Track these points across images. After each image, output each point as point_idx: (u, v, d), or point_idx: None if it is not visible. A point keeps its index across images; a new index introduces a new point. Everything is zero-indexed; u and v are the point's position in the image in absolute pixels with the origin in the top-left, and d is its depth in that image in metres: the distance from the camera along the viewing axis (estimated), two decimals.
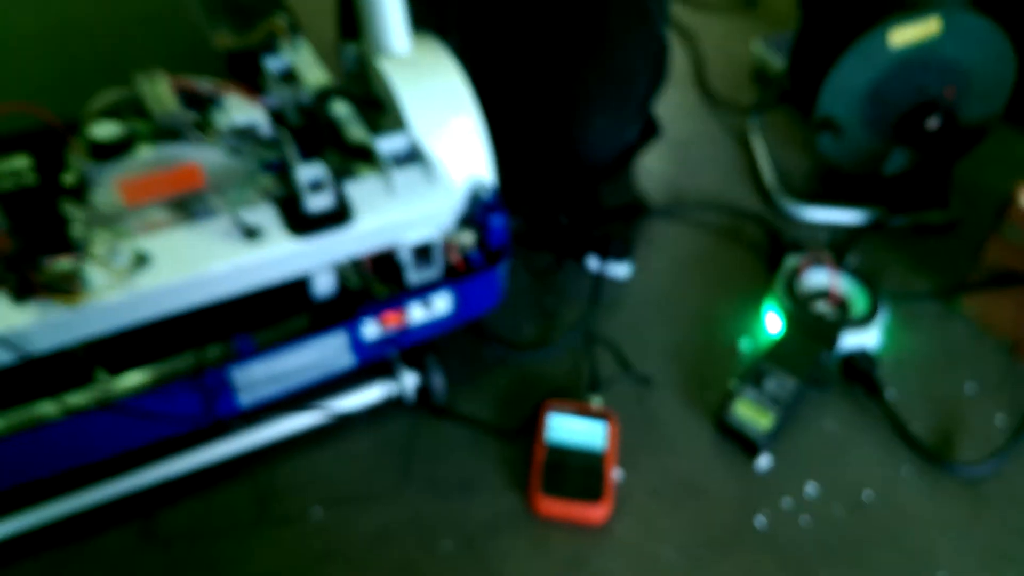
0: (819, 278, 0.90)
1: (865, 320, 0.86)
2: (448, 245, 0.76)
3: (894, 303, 0.92)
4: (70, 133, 0.66)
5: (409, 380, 0.81)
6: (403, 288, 0.75)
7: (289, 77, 0.84)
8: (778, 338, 0.86)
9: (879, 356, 0.86)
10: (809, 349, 0.84)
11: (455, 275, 0.77)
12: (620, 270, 0.97)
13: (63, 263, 0.59)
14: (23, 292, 0.58)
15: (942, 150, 1.01)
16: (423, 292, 0.75)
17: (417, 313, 0.76)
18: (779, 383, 0.82)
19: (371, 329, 0.75)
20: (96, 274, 0.60)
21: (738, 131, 1.21)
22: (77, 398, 0.65)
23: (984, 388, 0.86)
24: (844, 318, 0.86)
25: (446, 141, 0.76)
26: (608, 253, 0.96)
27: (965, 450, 0.80)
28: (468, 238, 0.77)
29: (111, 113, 0.69)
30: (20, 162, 0.66)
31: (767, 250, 1.00)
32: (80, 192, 0.65)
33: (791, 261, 0.92)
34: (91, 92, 0.70)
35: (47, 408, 0.65)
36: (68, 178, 0.67)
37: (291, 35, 0.88)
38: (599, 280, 0.96)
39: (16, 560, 0.71)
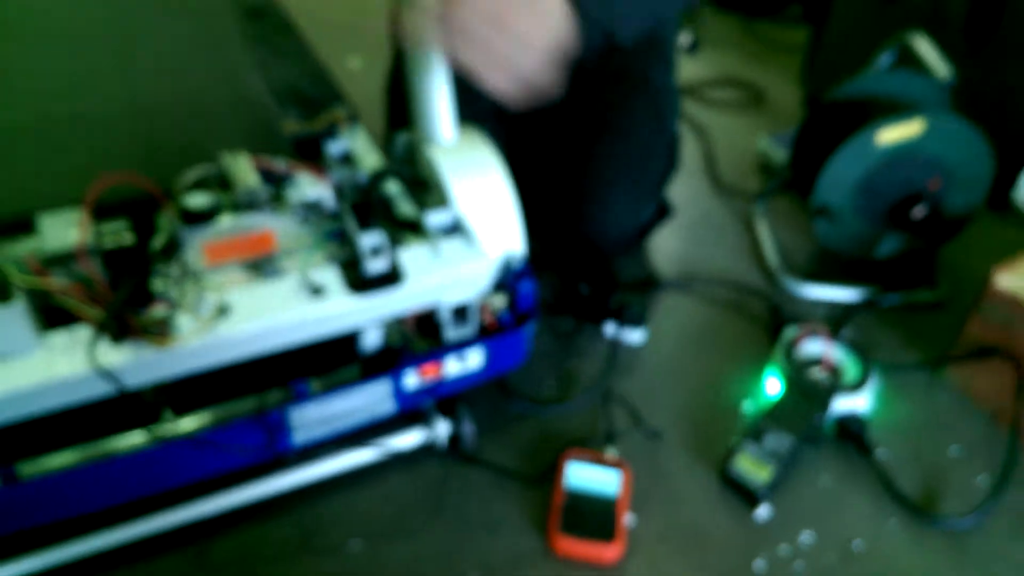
0: (815, 347, 0.99)
1: (857, 386, 0.94)
2: (482, 307, 0.86)
3: (885, 372, 1.00)
4: (163, 201, 0.77)
5: (442, 428, 0.90)
6: (441, 344, 0.85)
7: (347, 159, 0.96)
8: (777, 400, 0.94)
9: (870, 419, 0.94)
10: (805, 410, 0.92)
11: (487, 334, 0.86)
12: (635, 336, 1.07)
13: (158, 310, 0.69)
14: (121, 334, 0.68)
15: (929, 236, 1.11)
16: (459, 348, 0.85)
17: (452, 367, 0.86)
18: (778, 440, 0.89)
19: (411, 379, 0.84)
20: (184, 321, 0.70)
21: (744, 215, 1.32)
22: (145, 435, 0.75)
23: (967, 451, 0.93)
24: (837, 384, 0.95)
25: (484, 217, 0.86)
26: (624, 320, 1.06)
27: (949, 506, 0.87)
28: (500, 301, 0.87)
29: (200, 185, 0.80)
30: (119, 224, 0.77)
31: (769, 322, 1.09)
32: (170, 251, 0.76)
33: (790, 332, 1.01)
34: (176, 167, 0.81)
35: (119, 443, 0.74)
36: (159, 239, 0.78)
37: (349, 123, 1.00)
38: (615, 345, 1.05)
39: None
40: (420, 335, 0.87)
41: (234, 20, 1.20)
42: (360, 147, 0.98)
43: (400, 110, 1.12)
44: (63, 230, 0.71)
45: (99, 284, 0.68)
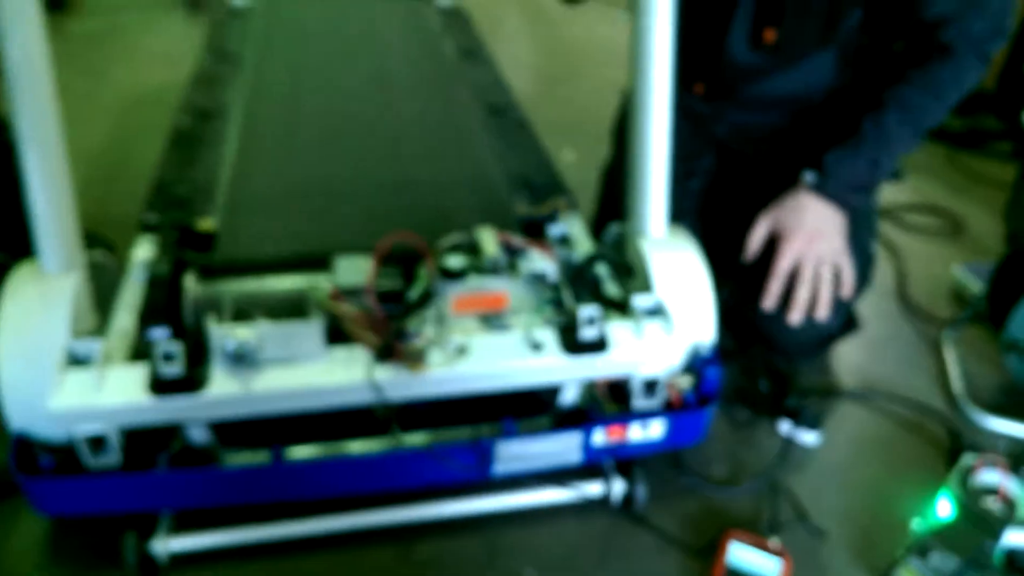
0: (992, 477, 0.99)
1: None
2: (670, 384, 0.96)
3: None
4: (427, 258, 0.95)
5: (618, 485, 1.00)
6: (629, 410, 0.95)
7: (564, 240, 1.11)
8: (947, 521, 0.95)
9: None
10: (974, 536, 0.92)
11: (670, 409, 0.96)
12: (809, 438, 1.11)
13: (419, 342, 0.86)
14: (386, 356, 0.85)
15: None
16: (644, 416, 0.95)
17: (636, 432, 0.96)
18: (943, 560, 0.91)
19: (599, 436, 0.95)
20: (435, 354, 0.86)
21: (931, 340, 1.33)
22: (378, 443, 0.91)
23: None
24: (1010, 516, 0.94)
25: (682, 306, 0.97)
26: (800, 421, 1.11)
27: None
28: (686, 382, 0.97)
29: (455, 248, 0.98)
30: (394, 271, 0.95)
31: (947, 446, 1.10)
32: (427, 298, 0.93)
33: (968, 458, 1.01)
34: (430, 231, 0.99)
35: (359, 446, 0.91)
36: (419, 287, 0.95)
37: (568, 210, 1.16)
38: (789, 443, 1.11)
39: (303, 552, 0.93)
40: (611, 400, 0.98)
41: (480, 115, 1.41)
42: (576, 231, 1.13)
43: (612, 201, 1.27)
44: (353, 270, 0.91)
45: (378, 316, 0.86)
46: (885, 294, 1.45)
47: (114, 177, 1.66)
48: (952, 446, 1.09)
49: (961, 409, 1.18)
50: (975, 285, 1.40)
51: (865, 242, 1.23)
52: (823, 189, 1.13)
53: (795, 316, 1.11)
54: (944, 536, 0.93)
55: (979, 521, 0.94)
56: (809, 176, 1.14)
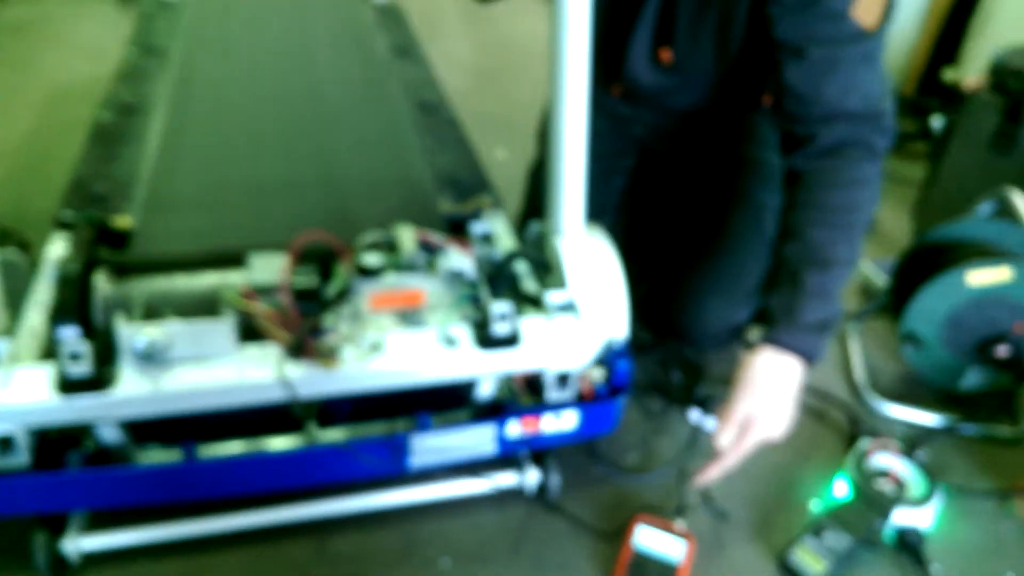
0: (885, 461, 1.04)
1: (920, 502, 0.98)
2: (582, 377, 0.98)
3: (953, 495, 1.04)
4: (343, 255, 0.95)
5: (532, 475, 1.02)
6: (542, 402, 0.97)
7: (487, 238, 1.12)
8: (842, 502, 0.99)
9: (930, 535, 0.98)
10: (867, 515, 0.97)
11: (582, 400, 0.98)
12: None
13: (331, 339, 0.86)
14: (298, 353, 0.85)
15: (1013, 374, 1.14)
16: (557, 408, 0.97)
17: (550, 423, 0.98)
18: (837, 538, 0.95)
19: (513, 428, 0.97)
20: (348, 351, 0.86)
21: (837, 331, 1.38)
22: (293, 440, 0.91)
23: None
24: (901, 496, 0.99)
25: (595, 301, 0.99)
26: (708, 410, 1.15)
27: None
28: (598, 374, 0.99)
29: (373, 246, 0.98)
30: (309, 269, 0.95)
31: (846, 431, 1.15)
32: (342, 295, 0.93)
33: (863, 443, 1.06)
34: (352, 228, 0.99)
35: (274, 443, 0.91)
36: (335, 285, 0.95)
37: (493, 208, 1.17)
38: (697, 430, 1.14)
39: (220, 548, 0.93)
40: (528, 393, 1.00)
41: (411, 113, 1.41)
42: (499, 229, 1.13)
43: (537, 200, 1.28)
44: (267, 268, 0.90)
45: (291, 313, 0.85)
46: None
47: (35, 173, 1.61)
48: (851, 431, 1.13)
49: (862, 397, 1.23)
50: (880, 279, 1.46)
51: (772, 237, 1.26)
52: (775, 340, 0.94)
53: (701, 478, 0.95)
54: (839, 516, 0.98)
55: (871, 501, 0.99)
56: (754, 334, 1.00)
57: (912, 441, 1.13)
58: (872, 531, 0.96)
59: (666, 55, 1.13)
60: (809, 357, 0.94)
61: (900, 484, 1.02)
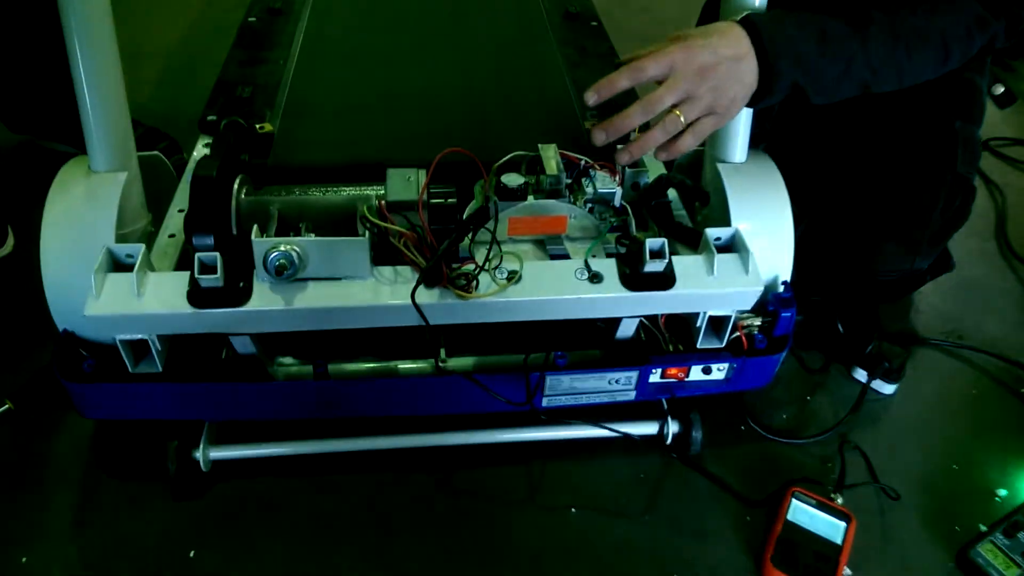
0: None
1: None
2: (738, 324, 0.81)
3: None
4: (484, 175, 0.81)
5: (673, 426, 0.87)
6: (692, 349, 0.82)
7: (636, 164, 0.95)
8: None
9: None
10: None
11: (737, 351, 0.82)
12: (887, 388, 0.95)
13: (468, 267, 0.73)
14: (432, 280, 0.73)
15: None
16: (707, 358, 0.81)
17: (697, 372, 0.82)
18: None
19: (655, 375, 0.82)
20: (485, 280, 0.74)
21: None
22: (423, 365, 0.82)
23: None
24: None
25: (760, 240, 0.81)
26: (878, 369, 0.95)
27: None
28: (757, 322, 0.82)
29: (514, 166, 0.84)
30: (447, 188, 0.82)
31: None
32: (481, 218, 0.80)
33: None
34: (492, 147, 0.85)
35: (403, 366, 0.82)
36: (470, 207, 0.82)
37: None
38: (864, 392, 0.95)
39: (344, 472, 0.86)
40: (673, 332, 0.84)
41: (551, 22, 1.24)
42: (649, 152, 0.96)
43: None
44: (404, 184, 0.78)
45: (427, 233, 0.73)
46: (980, 233, 1.24)
47: (188, 75, 1.54)
48: None
49: None
50: None
51: (964, 171, 1.01)
52: (753, 26, 0.73)
53: (624, 157, 0.78)
54: None
55: None
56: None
57: None
58: None
59: None
60: (769, 55, 0.72)
61: None
